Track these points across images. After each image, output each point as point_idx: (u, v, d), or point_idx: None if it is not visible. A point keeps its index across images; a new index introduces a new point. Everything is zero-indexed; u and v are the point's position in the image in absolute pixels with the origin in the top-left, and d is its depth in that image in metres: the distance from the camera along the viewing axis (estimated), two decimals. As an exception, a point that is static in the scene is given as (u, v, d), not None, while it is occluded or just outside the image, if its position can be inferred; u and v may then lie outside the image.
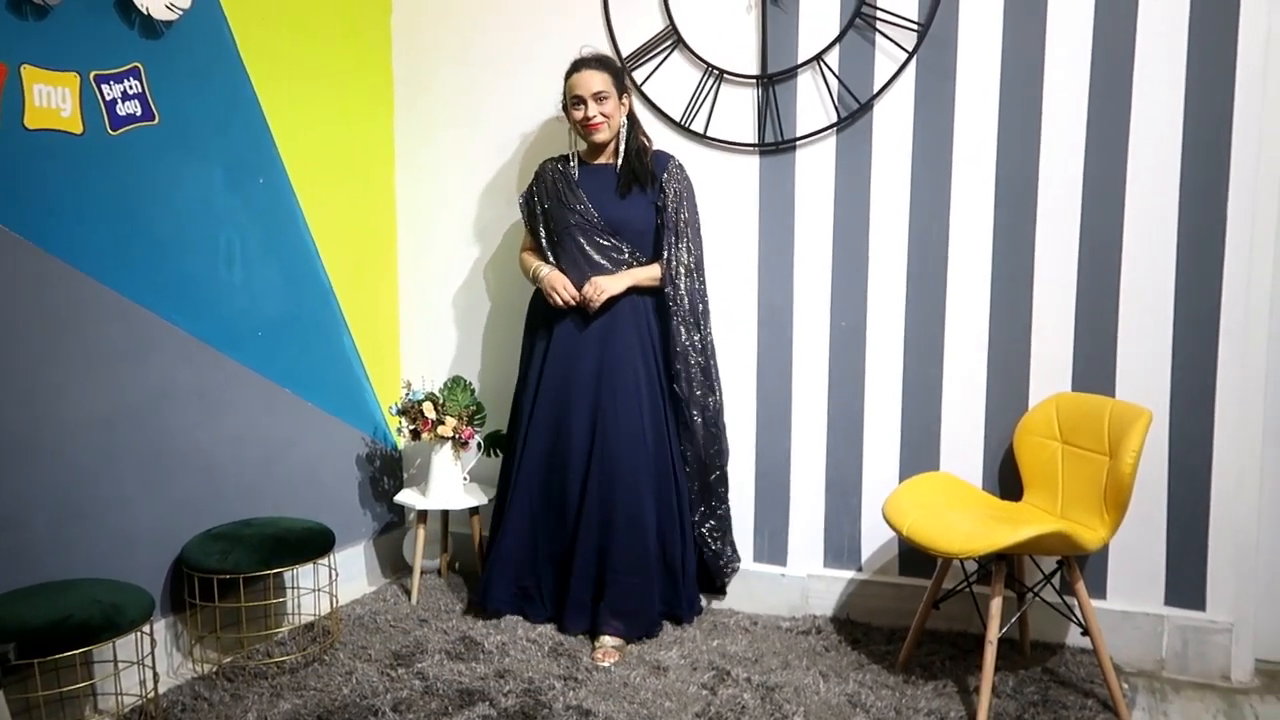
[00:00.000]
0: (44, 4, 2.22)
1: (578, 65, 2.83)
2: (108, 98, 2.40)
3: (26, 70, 2.21)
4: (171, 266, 2.59)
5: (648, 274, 2.86)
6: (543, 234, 2.95)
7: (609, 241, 2.85)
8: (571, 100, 2.83)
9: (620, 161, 2.88)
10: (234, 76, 2.75)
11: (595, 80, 2.78)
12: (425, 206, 3.43)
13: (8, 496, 2.22)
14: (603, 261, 2.85)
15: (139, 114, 2.47)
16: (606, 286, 2.80)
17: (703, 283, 2.91)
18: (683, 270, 2.85)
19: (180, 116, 2.58)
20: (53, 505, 2.32)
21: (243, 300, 2.82)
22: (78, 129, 2.33)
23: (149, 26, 2.48)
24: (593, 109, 2.79)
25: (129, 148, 2.45)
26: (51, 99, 2.27)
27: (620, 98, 2.84)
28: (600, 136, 2.83)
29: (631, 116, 2.90)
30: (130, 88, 2.45)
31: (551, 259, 2.93)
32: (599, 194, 2.87)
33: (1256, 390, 2.55)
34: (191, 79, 2.61)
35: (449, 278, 3.43)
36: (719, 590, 3.05)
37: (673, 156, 2.91)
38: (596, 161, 2.92)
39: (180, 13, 2.52)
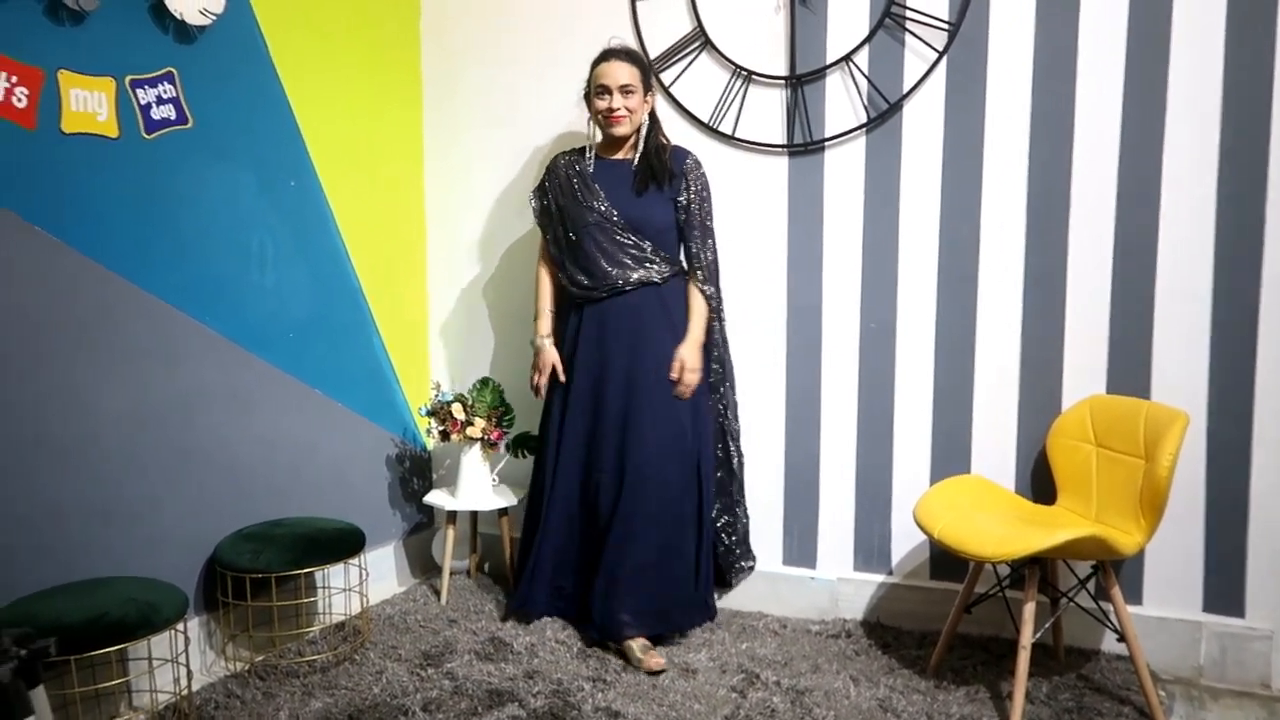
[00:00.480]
0: (80, 10, 2.25)
1: (606, 55, 2.80)
2: (143, 102, 2.43)
3: (63, 75, 2.24)
4: (203, 268, 2.62)
5: (699, 322, 2.84)
6: (559, 231, 2.91)
7: (629, 240, 2.81)
8: (596, 89, 2.79)
9: (638, 158, 2.83)
10: (265, 80, 2.78)
11: (623, 72, 2.75)
12: (454, 208, 3.45)
13: (41, 495, 2.26)
14: (625, 260, 2.80)
15: (173, 118, 2.50)
16: (694, 365, 2.80)
17: (719, 281, 2.93)
18: (710, 268, 2.85)
19: (213, 120, 2.61)
20: (86, 504, 2.35)
21: (273, 301, 2.85)
22: (113, 133, 2.36)
23: (183, 31, 2.51)
24: (617, 101, 2.75)
25: (163, 151, 2.48)
26: (88, 103, 2.30)
27: (645, 94, 2.81)
28: (621, 130, 2.79)
29: (653, 115, 2.87)
30: (165, 92, 2.48)
31: (565, 258, 2.89)
32: (616, 191, 2.83)
33: (1297, 392, 2.50)
34: (224, 83, 2.64)
35: (478, 279, 3.45)
36: (726, 584, 3.05)
37: (690, 152, 2.88)
38: (613, 157, 2.88)
39: (213, 18, 2.54)
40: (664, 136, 2.88)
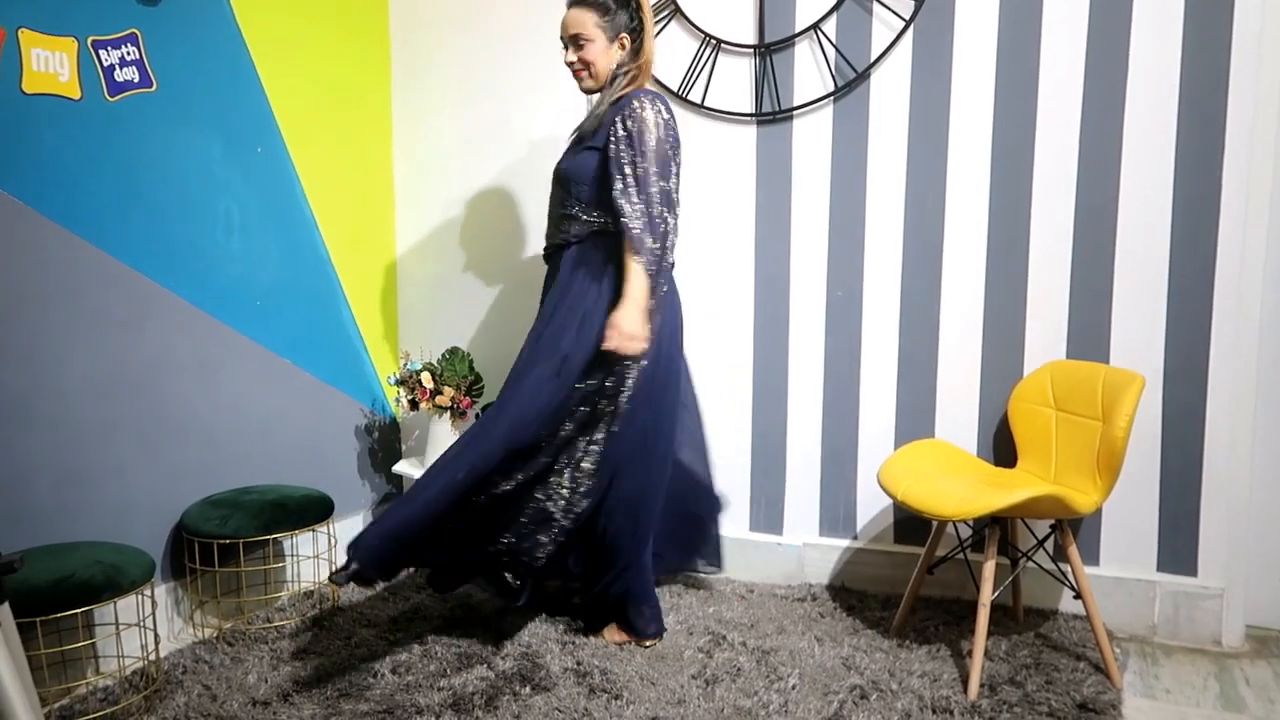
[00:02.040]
0: (41, -32, 2.22)
1: (569, 3, 2.50)
2: (106, 63, 2.40)
3: (24, 34, 2.21)
4: (170, 234, 2.60)
5: (631, 283, 2.36)
6: None
7: (560, 194, 2.54)
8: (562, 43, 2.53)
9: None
10: (232, 44, 2.75)
11: (573, 20, 2.47)
12: (423, 175, 3.43)
13: (8, 460, 2.24)
14: (557, 217, 2.56)
15: (137, 80, 2.47)
16: (628, 330, 2.35)
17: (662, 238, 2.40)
18: (641, 221, 2.36)
19: (178, 84, 2.59)
20: (53, 470, 2.34)
21: (241, 269, 2.83)
22: (76, 94, 2.34)
23: (146, -8, 2.49)
24: (570, 54, 2.50)
25: (127, 114, 2.46)
26: (49, 63, 2.28)
27: (612, 41, 2.48)
28: (585, 85, 2.53)
29: (642, 57, 2.50)
30: (128, 54, 2.45)
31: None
32: (573, 145, 2.60)
33: (1249, 356, 2.57)
34: (189, 46, 2.62)
35: (447, 248, 3.44)
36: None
37: (643, 93, 2.44)
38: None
39: (177, -21, 2.52)
40: (642, 80, 2.53)
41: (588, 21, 2.47)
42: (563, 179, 2.56)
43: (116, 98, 2.43)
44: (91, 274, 2.40)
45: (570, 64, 2.53)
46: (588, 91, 2.58)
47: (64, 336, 2.35)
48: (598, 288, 2.46)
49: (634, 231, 2.36)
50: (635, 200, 2.37)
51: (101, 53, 2.39)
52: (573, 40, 2.49)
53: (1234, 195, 2.53)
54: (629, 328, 2.35)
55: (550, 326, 2.49)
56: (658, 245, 2.39)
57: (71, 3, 2.31)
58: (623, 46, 2.51)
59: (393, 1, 3.39)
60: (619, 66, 2.51)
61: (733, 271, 3.03)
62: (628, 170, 2.38)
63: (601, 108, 2.50)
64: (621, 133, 2.39)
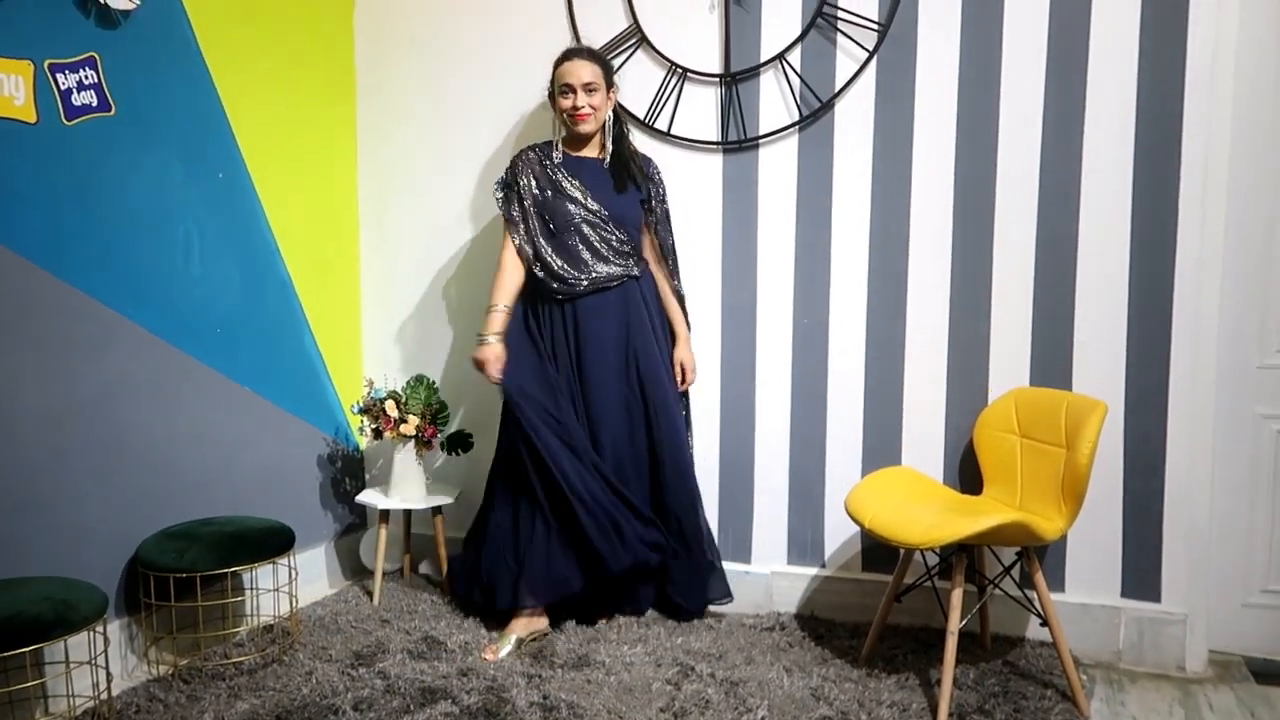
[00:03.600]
0: (-4, -10, 2.18)
1: (569, 54, 2.82)
2: (63, 87, 2.36)
3: (-22, 57, 2.17)
4: (128, 260, 2.55)
5: (684, 319, 3.00)
6: (535, 225, 2.84)
7: (615, 235, 2.84)
8: (560, 88, 2.81)
9: (610, 156, 2.88)
10: (193, 68, 2.72)
11: (586, 70, 2.78)
12: (387, 201, 3.41)
13: (-45, 492, 2.17)
14: (608, 254, 2.83)
15: (95, 104, 2.43)
16: (694, 364, 3.01)
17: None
18: (676, 267, 3.00)
19: (137, 108, 2.55)
20: (2, 500, 2.26)
21: (200, 295, 2.78)
22: (31, 118, 2.29)
23: (105, 16, 2.45)
24: (581, 99, 2.78)
25: (84, 138, 2.41)
26: (4, 87, 2.23)
27: (608, 91, 2.84)
28: (586, 127, 2.82)
29: (617, 112, 2.91)
30: (86, 77, 2.41)
31: (543, 252, 2.83)
32: (597, 187, 2.85)
33: (1208, 384, 2.60)
34: (149, 70, 2.58)
35: (412, 274, 3.41)
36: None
37: (651, 159, 2.98)
38: (581, 153, 2.89)
39: (138, 2, 2.49)
40: (628, 129, 2.98)
41: (597, 72, 2.81)
42: (623, 222, 2.87)
43: (74, 121, 2.39)
44: (46, 301, 2.34)
45: (578, 108, 2.80)
46: (587, 134, 2.86)
47: (14, 363, 2.28)
48: (652, 317, 2.93)
49: (674, 266, 2.99)
50: (671, 250, 2.98)
51: (59, 76, 2.35)
52: (585, 87, 2.79)
53: (1190, 223, 2.58)
54: (693, 361, 3.02)
55: (645, 366, 2.88)
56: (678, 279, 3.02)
57: (28, 25, 2.27)
58: (609, 99, 2.85)
59: (358, 25, 3.37)
60: (607, 116, 2.88)
61: (699, 300, 3.03)
62: (668, 222, 2.98)
63: (604, 155, 2.90)
64: (659, 186, 2.96)
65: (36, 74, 2.29)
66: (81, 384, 2.44)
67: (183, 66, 2.69)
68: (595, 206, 2.83)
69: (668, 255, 2.95)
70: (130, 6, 2.47)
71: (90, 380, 2.47)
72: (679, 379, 2.95)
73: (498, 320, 2.85)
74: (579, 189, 2.84)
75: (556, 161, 2.87)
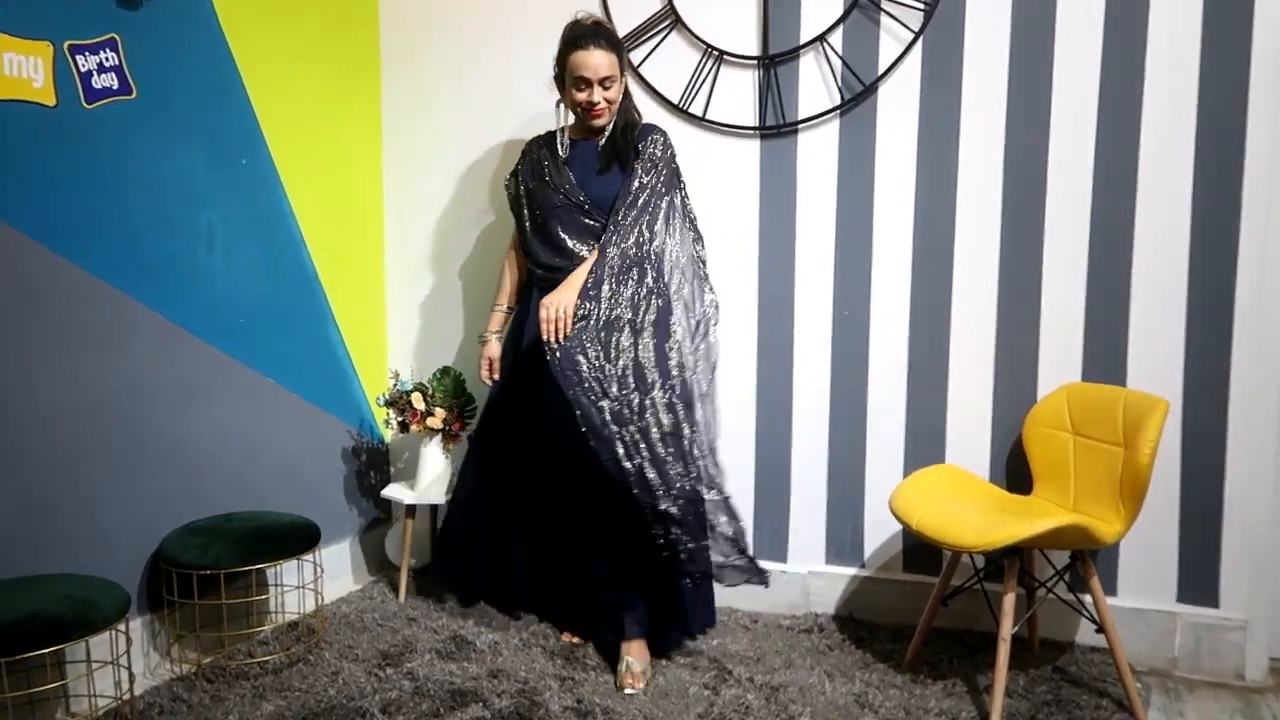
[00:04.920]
0: (15, -32, 2.11)
1: (583, 41, 2.57)
2: (83, 69, 2.28)
3: (-5, 37, 2.10)
4: (149, 248, 2.48)
5: (583, 270, 2.57)
6: (526, 215, 2.78)
7: (593, 221, 2.64)
8: (574, 81, 2.60)
9: (605, 137, 2.69)
10: (216, 51, 2.64)
11: (604, 63, 2.56)
12: (413, 189, 3.32)
13: (-26, 487, 2.11)
14: (590, 241, 2.62)
15: (115, 87, 2.36)
16: (561, 300, 2.49)
17: (655, 280, 2.54)
18: (621, 248, 2.54)
19: (159, 91, 2.47)
20: (22, 497, 2.20)
21: (223, 285, 2.71)
22: (50, 101, 2.22)
23: (127, -4, 2.37)
24: (598, 95, 2.59)
25: (105, 122, 2.34)
26: (23, 69, 2.16)
27: (621, 76, 2.65)
28: (601, 122, 2.65)
29: (626, 91, 2.71)
30: (107, 59, 2.33)
31: (529, 242, 2.76)
32: (584, 171, 2.69)
33: (1271, 380, 2.49)
34: (172, 53, 2.50)
35: (438, 263, 3.33)
36: None
37: (656, 127, 2.72)
38: (588, 140, 2.74)
39: (160, -18, 2.41)
40: (636, 113, 2.74)
41: (615, 63, 2.60)
42: (600, 204, 2.64)
43: (94, 105, 2.31)
44: (66, 291, 2.27)
45: (594, 103, 2.61)
46: (600, 128, 2.68)
47: (36, 355, 2.22)
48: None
49: (618, 236, 2.55)
50: (629, 228, 2.56)
51: (79, 58, 2.27)
52: (602, 82, 2.58)
53: (1255, 210, 2.46)
54: (559, 298, 2.51)
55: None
56: (622, 251, 2.54)
57: (47, 5, 2.20)
58: (621, 83, 2.65)
59: (382, 9, 3.28)
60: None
61: (735, 290, 2.93)
62: (647, 183, 2.60)
63: (604, 138, 2.68)
64: (648, 156, 2.63)
65: (56, 55, 2.22)
66: (102, 376, 2.38)
67: (206, 49, 2.61)
68: (574, 190, 2.67)
69: (614, 233, 2.55)
70: (152, -14, 2.39)
71: (111, 372, 2.40)
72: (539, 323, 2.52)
73: (495, 319, 2.90)
74: (564, 175, 2.70)
75: (560, 149, 2.73)
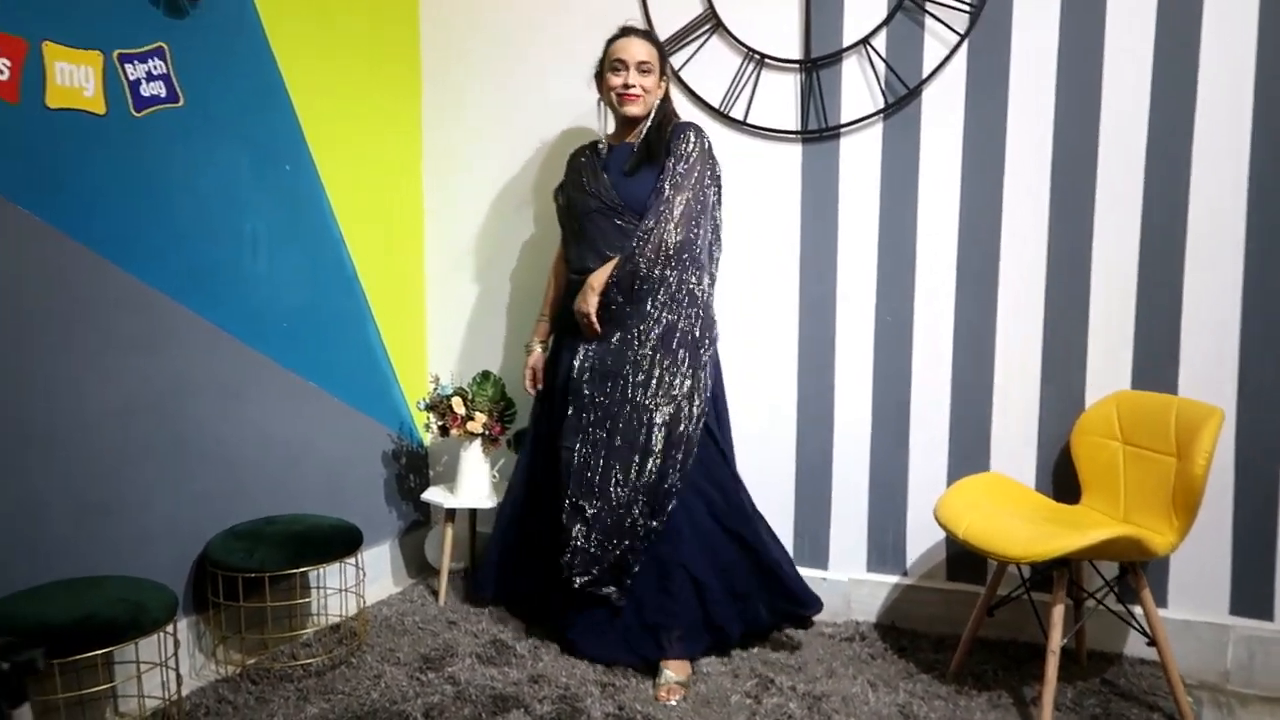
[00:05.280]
0: (67, -22, 2.13)
1: (625, 31, 2.67)
2: (131, 78, 2.31)
3: (48, 47, 2.12)
4: (194, 253, 2.50)
5: (602, 278, 2.59)
6: (566, 226, 2.81)
7: (625, 222, 2.63)
8: (611, 65, 2.64)
9: (640, 137, 2.68)
10: (260, 59, 2.66)
11: (641, 49, 2.62)
12: (452, 194, 3.33)
13: (27, 490, 2.14)
14: (619, 242, 2.61)
15: (163, 95, 2.38)
16: (586, 301, 2.58)
17: (688, 266, 2.56)
18: (658, 236, 2.53)
19: (205, 99, 2.49)
20: (72, 500, 2.23)
21: (266, 289, 2.73)
22: (100, 109, 2.24)
23: (174, 5, 2.39)
24: (633, 77, 2.61)
25: (152, 130, 2.36)
26: (74, 78, 2.18)
27: (660, 76, 2.67)
28: (633, 109, 2.64)
29: (666, 97, 2.72)
30: (155, 68, 2.36)
31: (569, 250, 2.79)
32: (616, 173, 2.68)
33: (1330, 389, 2.43)
34: (217, 60, 2.52)
35: (477, 267, 3.34)
36: None
37: (692, 124, 2.69)
38: (625, 141, 2.74)
39: (207, -9, 2.43)
40: (675, 115, 2.74)
41: (653, 53, 2.65)
42: (631, 203, 2.63)
43: (142, 113, 2.34)
44: (114, 295, 2.30)
45: (629, 86, 2.63)
46: (634, 117, 2.68)
47: (85, 360, 2.25)
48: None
49: (648, 234, 2.53)
50: (672, 204, 2.55)
51: (128, 66, 2.30)
52: (639, 65, 2.62)
53: (1313, 217, 2.40)
54: (586, 300, 2.59)
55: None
56: (654, 249, 2.53)
57: (97, 15, 2.22)
58: (660, 85, 2.68)
59: (423, 17, 3.30)
60: (655, 103, 2.69)
61: (776, 295, 2.91)
62: (678, 180, 2.57)
63: (639, 139, 2.67)
64: (679, 152, 2.59)
65: (106, 64, 2.25)
66: (150, 380, 2.40)
67: (250, 56, 2.63)
68: (607, 193, 2.66)
69: (650, 222, 2.54)
70: (199, -5, 2.41)
71: (158, 376, 2.42)
72: None
73: (540, 329, 2.95)
74: (598, 179, 2.69)
75: (598, 155, 2.75)
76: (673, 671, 2.47)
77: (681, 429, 2.53)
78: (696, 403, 2.56)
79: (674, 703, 2.38)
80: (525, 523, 2.85)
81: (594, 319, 2.59)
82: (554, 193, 2.88)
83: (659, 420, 2.53)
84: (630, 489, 2.54)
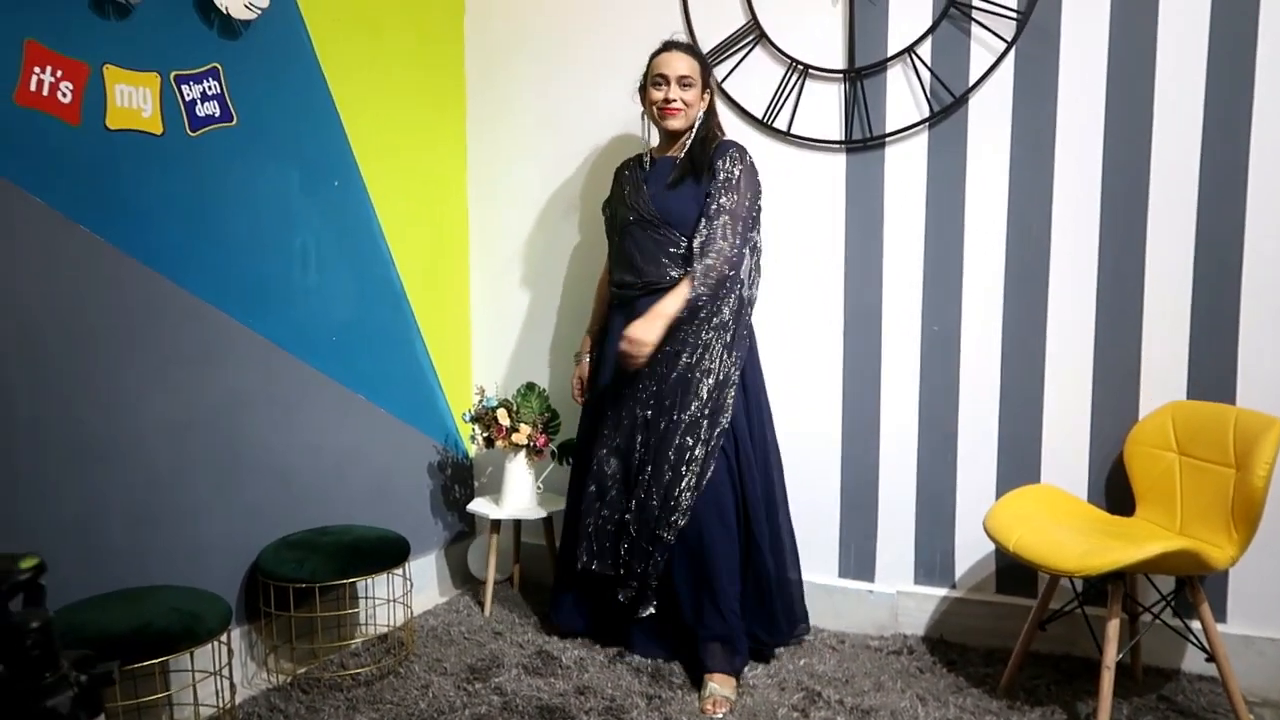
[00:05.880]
0: (126, 3, 2.19)
1: (666, 45, 2.68)
2: (187, 98, 2.36)
3: (109, 70, 2.18)
4: (247, 269, 2.55)
5: (671, 300, 2.54)
6: (610, 239, 2.84)
7: (664, 235, 2.64)
8: (653, 79, 2.66)
9: (684, 151, 2.69)
10: (310, 77, 2.71)
11: (682, 63, 2.64)
12: (497, 208, 3.37)
13: (86, 501, 2.19)
14: (661, 257, 2.64)
15: (218, 115, 2.44)
16: (642, 337, 2.52)
17: (726, 318, 2.59)
18: (713, 255, 2.54)
19: (258, 117, 2.55)
20: (129, 510, 2.28)
21: (316, 304, 2.77)
22: (158, 130, 2.30)
23: (228, 26, 2.45)
24: (674, 92, 2.63)
25: (207, 149, 2.42)
26: (133, 99, 2.24)
27: (703, 90, 2.68)
28: (675, 123, 2.65)
29: (710, 110, 2.72)
30: (209, 88, 2.41)
31: (613, 260, 2.79)
32: (658, 186, 2.69)
33: (1395, 398, 2.36)
34: (269, 79, 2.58)
35: (521, 281, 3.36)
36: None
37: (736, 143, 2.68)
38: (668, 154, 2.74)
39: (259, 12, 2.48)
40: (719, 129, 2.74)
41: (694, 67, 2.66)
42: (669, 217, 2.64)
43: (198, 133, 2.39)
44: (170, 310, 2.36)
45: (670, 101, 2.65)
46: (676, 131, 2.70)
47: (142, 374, 2.30)
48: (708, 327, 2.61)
49: (710, 261, 2.54)
50: (715, 233, 2.56)
51: (184, 87, 2.35)
52: (680, 80, 2.64)
53: (1375, 223, 2.34)
54: (637, 334, 2.53)
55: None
56: (714, 285, 2.55)
57: (155, 38, 2.28)
58: (703, 99, 2.69)
59: (468, 33, 3.34)
60: (698, 116, 2.69)
61: (821, 305, 2.90)
62: (728, 207, 2.57)
63: (682, 152, 2.68)
64: (725, 175, 2.59)
65: (163, 86, 2.30)
66: (204, 394, 2.45)
67: (301, 74, 2.69)
68: (647, 207, 2.67)
69: (706, 248, 2.54)
70: (252, 16, 2.47)
71: (212, 390, 2.47)
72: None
73: (587, 341, 2.98)
74: (638, 192, 2.71)
75: (642, 168, 2.77)
76: (718, 684, 2.46)
77: (697, 449, 2.58)
78: (712, 429, 2.58)
79: (720, 716, 2.37)
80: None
81: (650, 350, 2.54)
82: (602, 206, 2.91)
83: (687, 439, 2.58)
84: (640, 502, 2.62)
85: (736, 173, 2.59)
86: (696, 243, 2.57)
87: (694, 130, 2.69)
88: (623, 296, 2.73)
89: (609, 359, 2.73)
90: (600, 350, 2.87)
